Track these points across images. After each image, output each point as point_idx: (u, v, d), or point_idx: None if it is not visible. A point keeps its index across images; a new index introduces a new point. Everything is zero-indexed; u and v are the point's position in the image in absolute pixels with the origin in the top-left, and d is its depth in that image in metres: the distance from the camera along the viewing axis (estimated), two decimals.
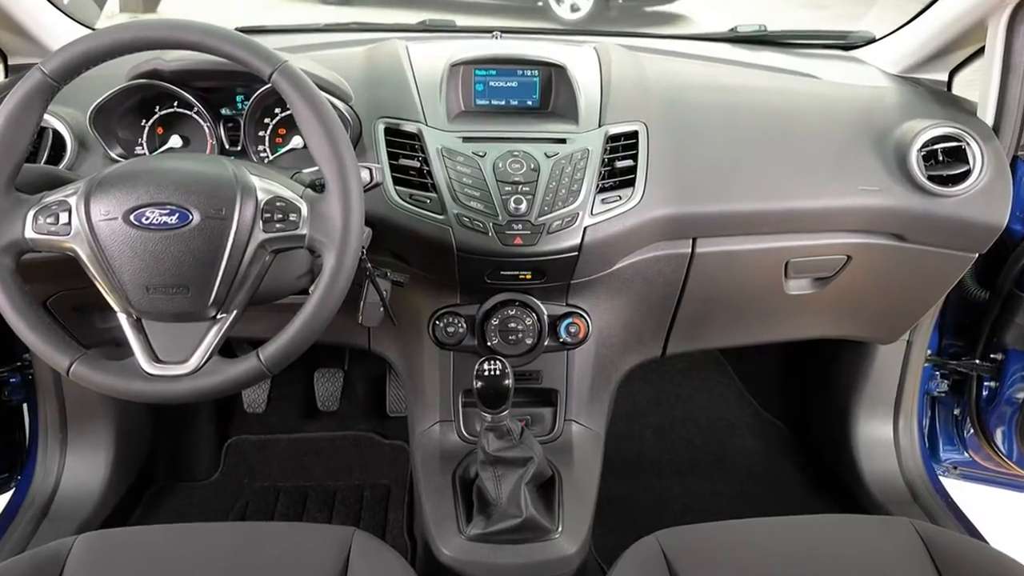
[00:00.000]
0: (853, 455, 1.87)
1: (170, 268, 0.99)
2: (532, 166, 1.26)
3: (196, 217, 0.99)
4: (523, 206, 1.23)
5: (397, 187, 1.27)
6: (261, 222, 1.02)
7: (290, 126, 1.35)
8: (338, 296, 1.02)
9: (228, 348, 1.69)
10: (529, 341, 1.37)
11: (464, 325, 1.38)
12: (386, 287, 1.23)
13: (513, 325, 1.37)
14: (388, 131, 1.30)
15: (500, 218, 1.23)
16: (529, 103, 1.39)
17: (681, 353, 1.59)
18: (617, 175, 1.30)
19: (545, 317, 1.38)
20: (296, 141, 1.32)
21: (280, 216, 1.02)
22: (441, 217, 1.24)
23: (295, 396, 2.18)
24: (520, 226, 1.24)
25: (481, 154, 1.27)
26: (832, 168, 1.40)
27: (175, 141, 1.34)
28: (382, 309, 1.23)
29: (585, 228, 1.26)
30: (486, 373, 1.21)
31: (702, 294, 1.46)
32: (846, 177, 1.40)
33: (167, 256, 0.99)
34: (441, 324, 1.38)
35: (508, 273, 1.30)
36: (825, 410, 1.98)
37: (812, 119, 1.44)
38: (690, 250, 1.40)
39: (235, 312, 1.04)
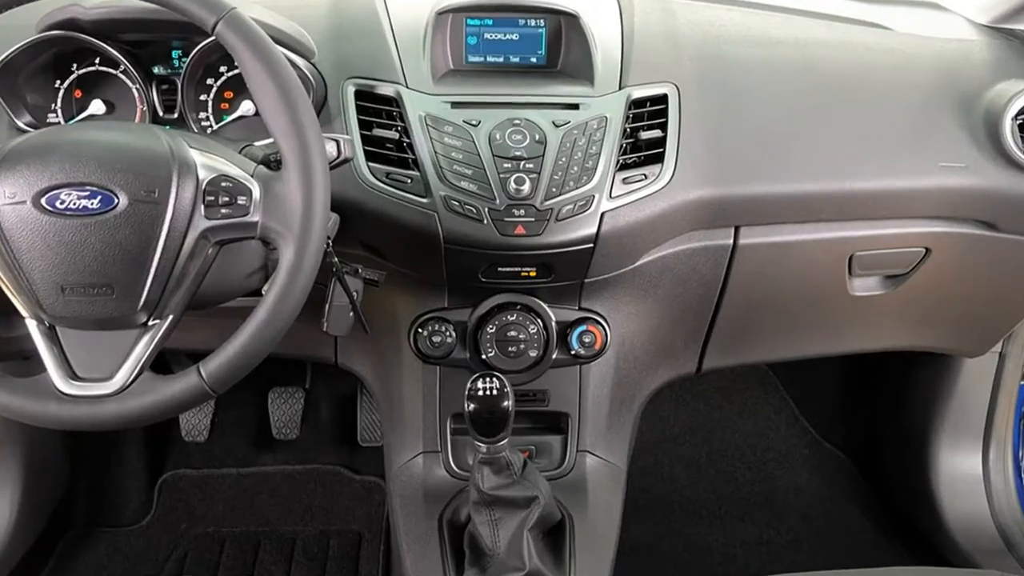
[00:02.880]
0: (933, 494, 1.88)
1: (90, 263, 0.99)
2: (537, 138, 1.26)
3: (122, 200, 0.99)
4: (526, 187, 1.23)
5: (371, 163, 1.27)
6: (203, 206, 1.02)
7: (239, 88, 1.35)
8: (298, 298, 1.02)
9: (163, 363, 1.69)
10: (533, 354, 1.38)
11: (453, 334, 1.38)
12: (357, 287, 1.23)
13: (513, 334, 1.37)
14: (360, 95, 1.30)
15: (497, 202, 1.23)
16: (533, 60, 1.40)
17: (721, 369, 1.59)
18: (642, 149, 1.30)
19: (553, 324, 1.38)
20: (246, 107, 1.32)
21: (226, 199, 1.03)
22: (425, 200, 1.25)
23: (245, 421, 2.18)
24: (522, 212, 1.24)
25: (474, 123, 1.27)
26: (907, 140, 1.40)
27: (97, 107, 1.34)
28: (352, 314, 1.22)
29: (602, 214, 1.27)
30: (480, 393, 1.21)
31: (746, 296, 1.47)
32: (924, 151, 1.40)
33: (87, 248, 0.99)
34: (424, 333, 1.38)
35: (507, 270, 1.30)
36: (898, 439, 1.98)
37: (882, 80, 1.45)
38: (732, 241, 1.40)
39: (171, 318, 1.04)
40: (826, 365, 1.95)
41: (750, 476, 2.15)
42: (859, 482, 2.13)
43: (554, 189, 1.24)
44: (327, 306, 1.21)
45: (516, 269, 1.30)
